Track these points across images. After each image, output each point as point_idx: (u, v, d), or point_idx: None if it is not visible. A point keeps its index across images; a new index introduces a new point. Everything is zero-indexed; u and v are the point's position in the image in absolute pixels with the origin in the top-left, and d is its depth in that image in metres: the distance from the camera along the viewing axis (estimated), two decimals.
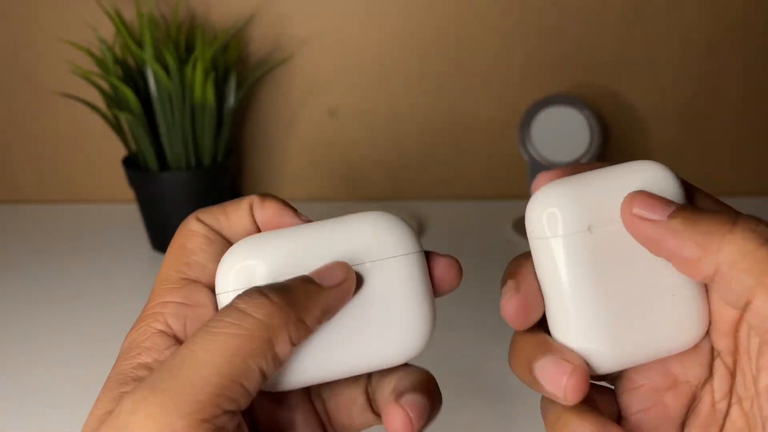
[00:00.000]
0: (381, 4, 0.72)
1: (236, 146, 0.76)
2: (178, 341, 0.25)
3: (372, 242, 0.25)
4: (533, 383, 0.23)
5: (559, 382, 0.23)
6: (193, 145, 0.65)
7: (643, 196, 0.23)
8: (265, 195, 0.27)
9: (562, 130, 0.68)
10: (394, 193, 0.78)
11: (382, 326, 0.25)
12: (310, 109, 0.75)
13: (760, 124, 0.73)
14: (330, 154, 0.77)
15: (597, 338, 0.24)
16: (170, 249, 0.27)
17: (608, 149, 0.74)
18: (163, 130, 0.64)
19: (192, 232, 0.27)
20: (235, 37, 0.71)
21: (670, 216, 0.23)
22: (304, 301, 0.24)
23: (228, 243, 0.27)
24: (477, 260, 0.68)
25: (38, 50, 0.74)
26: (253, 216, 0.27)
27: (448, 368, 0.50)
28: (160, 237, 0.67)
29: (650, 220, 0.23)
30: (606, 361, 0.24)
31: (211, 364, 0.22)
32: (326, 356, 0.25)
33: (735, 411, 0.24)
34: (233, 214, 0.27)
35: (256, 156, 0.77)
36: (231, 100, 0.67)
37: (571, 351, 0.24)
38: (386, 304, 0.25)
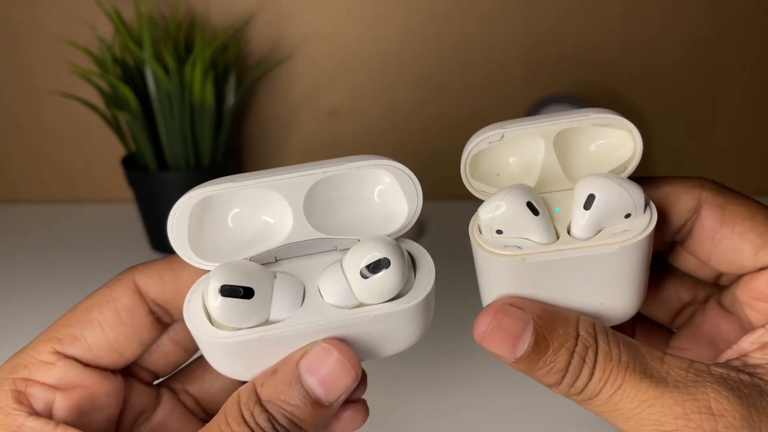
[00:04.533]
0: (381, 4, 0.71)
1: (236, 146, 0.76)
2: (37, 415, 0.23)
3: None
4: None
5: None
6: (193, 144, 0.65)
7: (494, 336, 0.23)
8: None
9: None
10: None
11: (387, 344, 0.24)
12: (310, 109, 0.75)
13: (761, 124, 0.73)
14: (330, 154, 0.76)
15: None
16: (78, 305, 0.24)
17: None
18: (162, 129, 0.64)
19: (110, 299, 0.24)
20: (235, 37, 0.70)
21: (516, 362, 0.23)
22: (313, 428, 0.23)
23: (154, 315, 0.25)
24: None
25: (37, 49, 0.74)
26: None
27: (448, 369, 0.50)
28: (160, 237, 0.67)
29: (498, 355, 0.23)
30: None
31: None
32: None
33: None
34: (183, 271, 0.25)
35: (256, 156, 0.77)
36: (230, 99, 0.67)
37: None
38: (384, 337, 0.24)
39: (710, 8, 0.69)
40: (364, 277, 0.22)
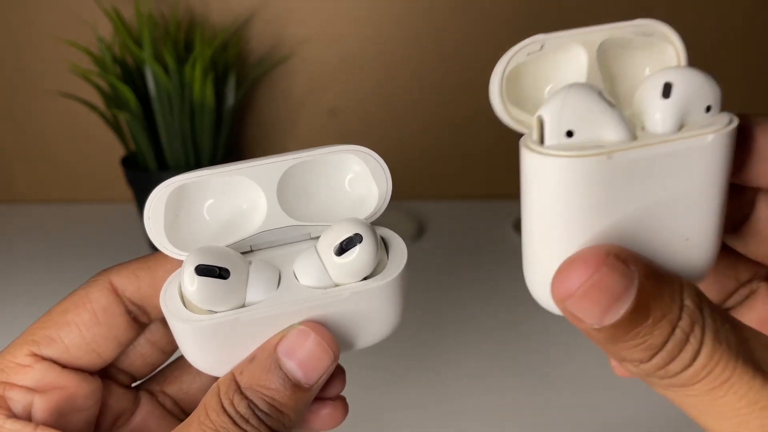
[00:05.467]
0: (381, 4, 0.71)
1: (236, 146, 0.76)
2: (17, 417, 0.23)
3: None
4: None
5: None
6: (192, 144, 0.65)
7: (587, 296, 0.18)
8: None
9: None
10: (394, 193, 0.77)
11: (357, 330, 0.24)
12: (310, 109, 0.75)
13: None
14: None
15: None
16: (54, 307, 0.24)
17: None
18: (162, 129, 0.64)
19: (86, 300, 0.24)
20: (235, 36, 0.70)
21: (599, 329, 0.18)
22: (295, 416, 0.22)
23: (131, 314, 0.25)
24: (477, 260, 0.67)
25: (37, 49, 0.74)
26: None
27: (447, 368, 0.50)
28: None
29: (579, 319, 0.18)
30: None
31: None
32: None
33: None
34: (159, 269, 0.25)
35: (256, 156, 0.77)
36: (230, 99, 0.67)
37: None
38: (358, 320, 0.24)
39: (710, 8, 0.69)
40: (338, 254, 0.23)
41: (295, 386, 0.22)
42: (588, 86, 0.19)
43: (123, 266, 0.25)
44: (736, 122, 0.19)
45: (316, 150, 0.25)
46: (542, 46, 0.21)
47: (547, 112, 0.19)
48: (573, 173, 0.18)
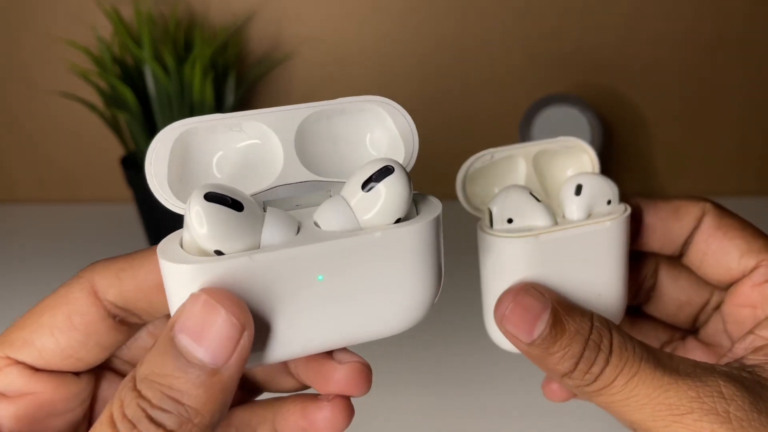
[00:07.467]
0: (381, 4, 0.71)
1: None
2: None
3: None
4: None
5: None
6: None
7: (514, 314, 0.24)
8: None
9: (564, 129, 0.67)
10: None
11: (384, 296, 0.21)
12: None
13: (762, 123, 0.73)
14: None
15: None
16: (33, 308, 0.22)
17: (610, 149, 0.73)
18: (161, 129, 0.64)
19: (63, 302, 0.22)
20: (234, 36, 0.70)
21: (530, 344, 0.23)
22: (207, 411, 0.18)
23: (116, 317, 0.22)
24: (477, 260, 0.67)
25: (36, 49, 0.74)
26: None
27: (445, 368, 0.50)
28: (159, 237, 0.66)
29: (515, 337, 0.24)
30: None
31: None
32: (317, 328, 0.20)
33: None
34: (142, 270, 0.22)
35: None
36: (230, 99, 0.67)
37: None
38: (390, 274, 0.21)
39: (710, 8, 0.69)
40: (368, 189, 0.20)
41: (201, 369, 0.18)
42: (522, 188, 0.26)
43: (106, 265, 0.23)
44: (629, 212, 0.26)
45: (338, 99, 0.23)
46: (492, 156, 0.27)
47: (493, 206, 0.25)
48: (512, 249, 0.25)
